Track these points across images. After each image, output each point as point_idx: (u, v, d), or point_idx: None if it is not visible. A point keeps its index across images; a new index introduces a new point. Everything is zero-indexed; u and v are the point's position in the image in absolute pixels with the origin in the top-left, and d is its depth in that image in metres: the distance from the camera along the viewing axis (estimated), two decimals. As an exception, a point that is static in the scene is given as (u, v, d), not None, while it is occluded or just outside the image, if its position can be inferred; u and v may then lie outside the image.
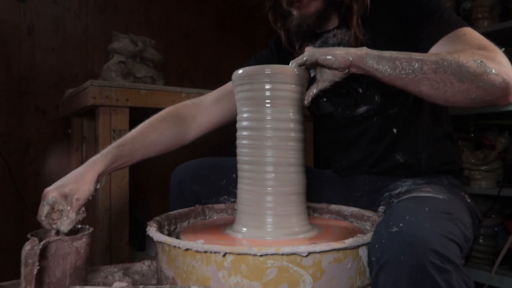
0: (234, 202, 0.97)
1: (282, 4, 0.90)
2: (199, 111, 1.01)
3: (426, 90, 0.67)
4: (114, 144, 0.88)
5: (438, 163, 0.92)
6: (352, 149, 0.97)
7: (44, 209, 0.74)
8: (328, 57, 0.69)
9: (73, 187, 0.78)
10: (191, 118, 0.99)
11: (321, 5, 0.88)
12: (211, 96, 1.04)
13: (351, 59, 0.68)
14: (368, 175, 0.96)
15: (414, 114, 0.91)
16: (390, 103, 0.91)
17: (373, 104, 0.92)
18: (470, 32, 0.77)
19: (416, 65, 0.66)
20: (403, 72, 0.66)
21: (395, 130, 0.92)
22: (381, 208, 0.89)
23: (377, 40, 0.87)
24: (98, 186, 0.85)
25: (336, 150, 1.03)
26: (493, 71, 0.65)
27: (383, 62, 0.67)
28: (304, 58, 0.72)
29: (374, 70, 0.68)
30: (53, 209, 0.76)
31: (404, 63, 0.66)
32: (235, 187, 0.78)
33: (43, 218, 0.74)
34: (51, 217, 0.76)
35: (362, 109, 0.93)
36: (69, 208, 0.76)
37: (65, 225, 0.76)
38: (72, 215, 0.76)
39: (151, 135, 0.92)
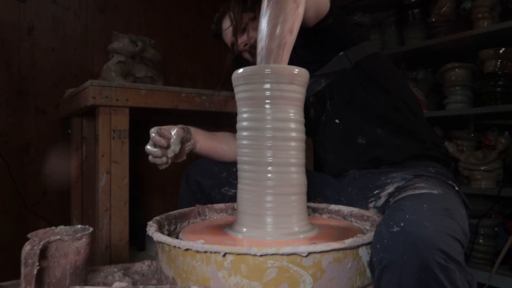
0: (234, 197, 0.97)
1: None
2: None
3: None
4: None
5: (403, 137, 0.94)
6: (326, 153, 1.05)
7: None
8: None
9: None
10: None
11: None
12: None
13: None
14: (356, 170, 0.99)
15: (348, 99, 0.98)
16: (322, 98, 1.01)
17: (313, 105, 1.03)
18: None
19: None
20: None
21: (337, 121, 1.00)
22: (371, 205, 0.91)
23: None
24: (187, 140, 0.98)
25: (323, 157, 1.09)
26: None
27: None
28: None
29: None
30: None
31: None
32: (235, 179, 0.79)
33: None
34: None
35: (312, 112, 1.04)
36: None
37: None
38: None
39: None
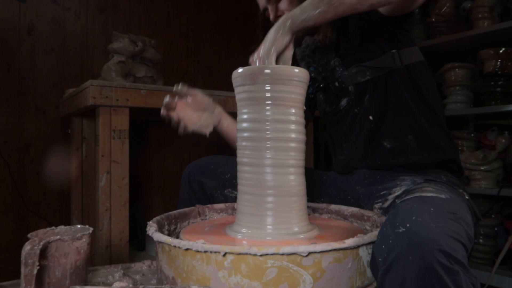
0: (235, 200, 0.97)
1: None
2: None
3: (348, 7, 0.74)
4: None
5: (429, 150, 0.93)
6: (346, 145, 1.02)
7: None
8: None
9: None
10: None
11: None
12: None
13: (290, 36, 0.75)
14: (367, 169, 0.98)
15: (389, 99, 0.95)
16: (362, 91, 0.97)
17: (350, 95, 0.99)
18: None
19: None
20: (323, 8, 0.73)
21: (371, 117, 0.96)
22: (377, 205, 0.90)
23: (342, 36, 0.99)
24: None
25: (336, 147, 1.07)
26: None
27: (306, 13, 0.74)
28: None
29: (306, 23, 0.75)
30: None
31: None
32: None
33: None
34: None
35: (344, 101, 1.00)
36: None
37: None
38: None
39: None
